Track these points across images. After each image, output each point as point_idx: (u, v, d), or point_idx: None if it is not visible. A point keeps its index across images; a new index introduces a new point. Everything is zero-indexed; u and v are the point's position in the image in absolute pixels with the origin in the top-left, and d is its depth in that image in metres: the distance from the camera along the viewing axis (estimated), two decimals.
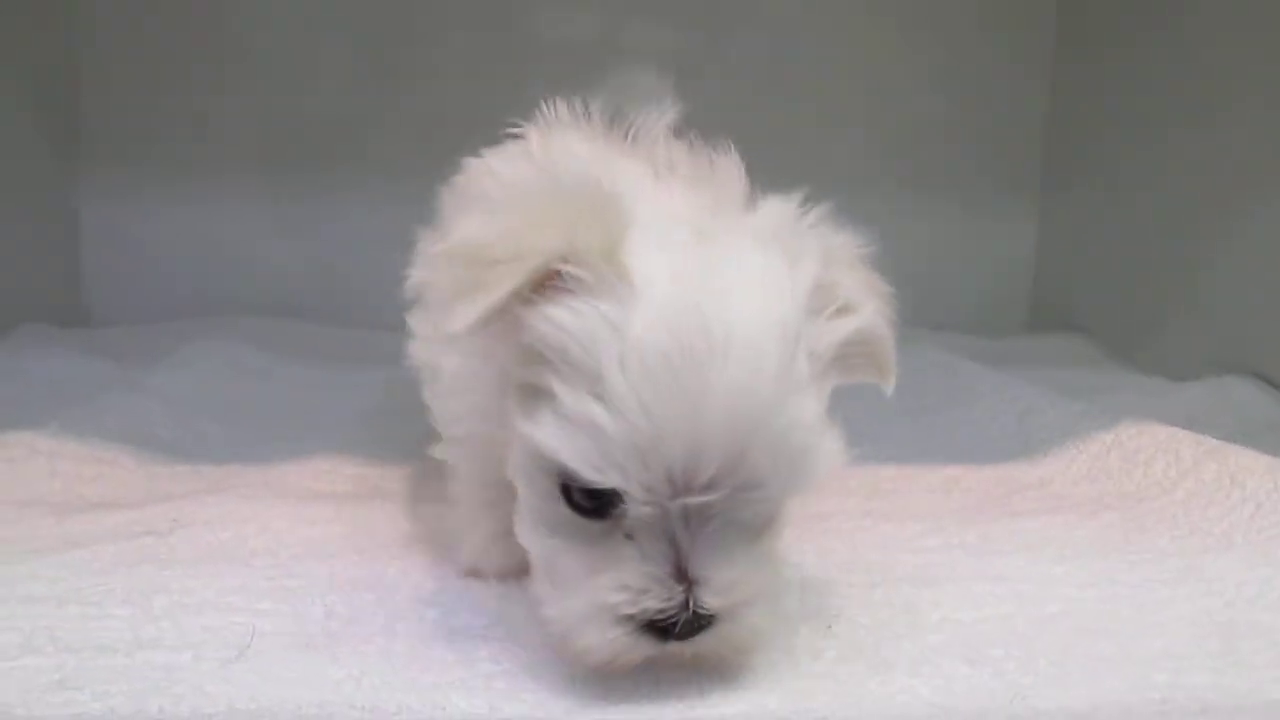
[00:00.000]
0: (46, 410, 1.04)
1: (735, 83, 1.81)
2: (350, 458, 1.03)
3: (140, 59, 1.73)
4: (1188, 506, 0.94)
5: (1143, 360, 1.55)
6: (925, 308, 1.84)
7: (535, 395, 0.55)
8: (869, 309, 0.60)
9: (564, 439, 0.53)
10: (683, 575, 0.55)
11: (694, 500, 0.53)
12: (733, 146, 0.72)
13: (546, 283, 0.54)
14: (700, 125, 0.78)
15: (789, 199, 0.62)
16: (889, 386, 0.63)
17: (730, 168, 0.70)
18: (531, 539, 0.60)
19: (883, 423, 1.19)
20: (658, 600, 0.55)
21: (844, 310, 0.58)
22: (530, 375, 0.56)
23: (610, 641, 0.55)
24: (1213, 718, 0.58)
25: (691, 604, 0.55)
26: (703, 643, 0.56)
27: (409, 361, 0.79)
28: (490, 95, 1.80)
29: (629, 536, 0.55)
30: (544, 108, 0.81)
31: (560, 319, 0.54)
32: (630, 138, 0.77)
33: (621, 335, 0.52)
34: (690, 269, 0.55)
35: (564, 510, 0.56)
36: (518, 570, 0.69)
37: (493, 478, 0.66)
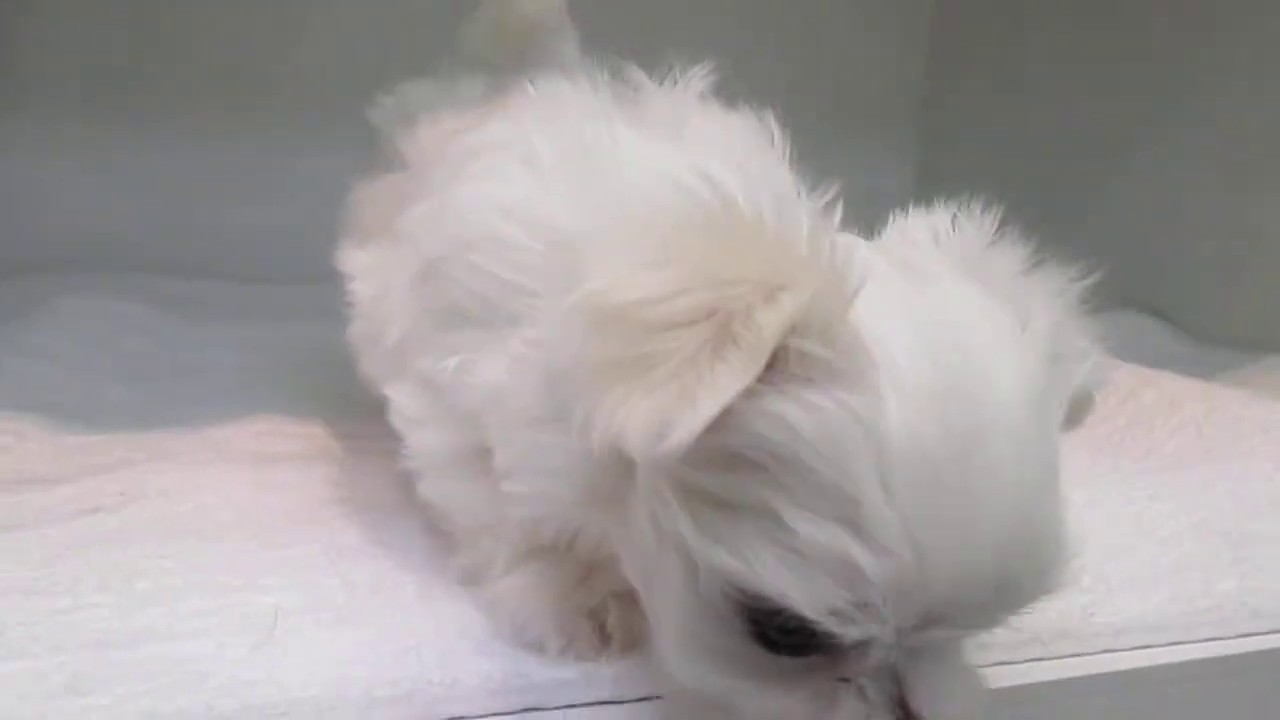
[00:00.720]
0: None
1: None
2: (289, 417, 0.93)
3: None
4: (1133, 432, 0.99)
5: None
6: None
7: (731, 512, 0.41)
8: (1094, 361, 0.48)
9: (798, 580, 0.39)
10: (904, 712, 0.43)
11: (945, 634, 0.42)
12: (771, 118, 0.60)
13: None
14: None
15: (963, 210, 0.50)
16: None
17: (771, 145, 0.58)
18: (693, 673, 0.45)
19: None
20: None
21: (1075, 358, 0.47)
22: (722, 485, 0.41)
23: None
24: (1265, 620, 0.62)
25: None
26: None
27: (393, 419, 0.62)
28: (341, 30, 1.68)
29: (843, 678, 0.43)
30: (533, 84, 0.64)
31: (790, 416, 0.39)
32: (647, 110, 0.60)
33: (879, 441, 0.38)
34: (930, 331, 0.42)
35: (749, 646, 0.43)
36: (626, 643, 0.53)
37: (549, 541, 0.54)
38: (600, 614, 0.54)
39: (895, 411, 0.39)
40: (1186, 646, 0.59)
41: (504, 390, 0.49)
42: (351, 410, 0.95)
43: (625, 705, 0.51)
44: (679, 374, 0.37)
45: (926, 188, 1.93)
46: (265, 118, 1.56)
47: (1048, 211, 1.69)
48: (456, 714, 0.50)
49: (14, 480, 0.74)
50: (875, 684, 0.43)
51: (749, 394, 0.38)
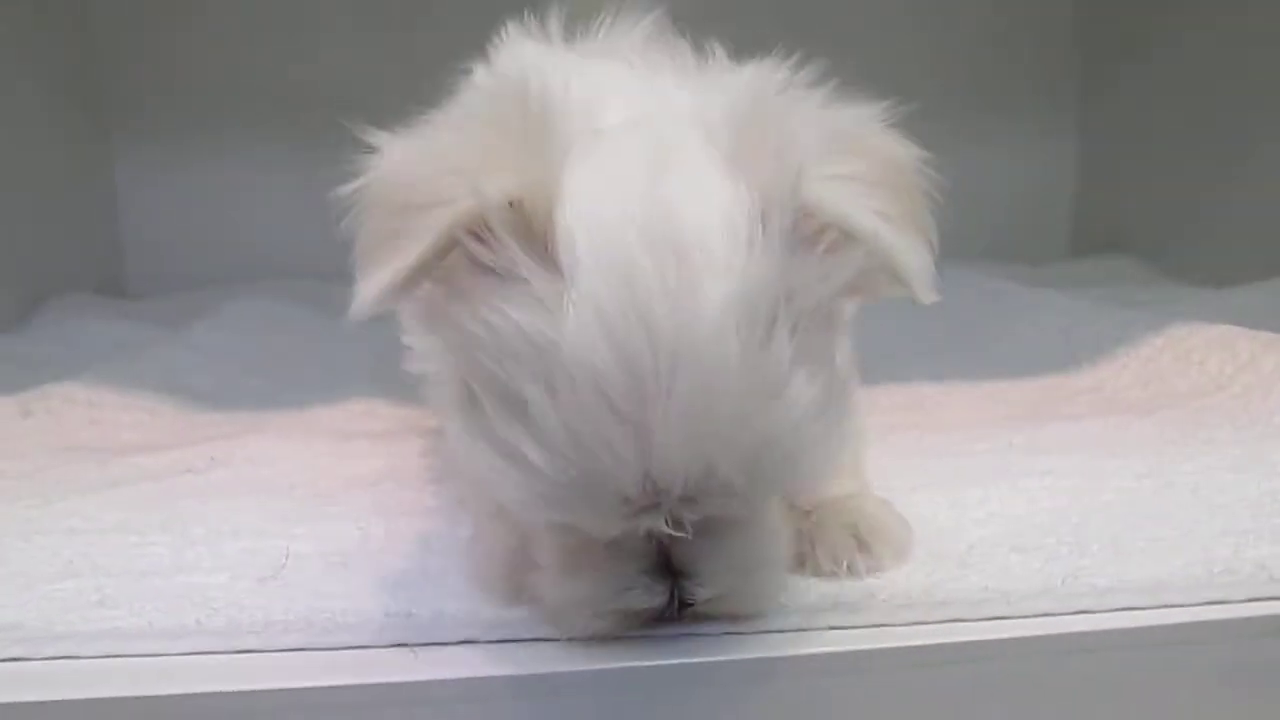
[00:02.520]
0: (86, 366, 1.05)
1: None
2: (386, 400, 1.02)
3: (161, 32, 1.73)
4: (1247, 400, 0.91)
5: (1195, 276, 1.49)
6: (960, 234, 1.79)
7: (471, 396, 0.46)
8: (866, 225, 0.44)
9: (497, 472, 0.44)
10: (667, 570, 0.48)
11: (676, 513, 0.44)
12: (720, 48, 0.61)
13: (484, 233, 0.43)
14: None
15: (771, 64, 0.49)
16: (925, 299, 0.47)
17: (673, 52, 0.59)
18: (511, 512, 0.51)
19: (916, 348, 1.17)
20: (642, 599, 0.48)
21: (840, 241, 0.45)
22: (464, 367, 0.46)
23: (596, 629, 0.50)
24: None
25: (678, 597, 0.48)
26: (699, 612, 0.50)
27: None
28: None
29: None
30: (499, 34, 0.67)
31: (477, 307, 0.43)
32: (600, 42, 0.64)
33: (545, 348, 0.41)
34: (637, 237, 0.42)
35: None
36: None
37: None
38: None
39: (569, 324, 0.41)
40: (1180, 610, 0.55)
41: None
42: None
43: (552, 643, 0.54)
44: (379, 251, 0.43)
45: (1087, 167, 1.83)
46: None
47: (1206, 185, 1.55)
48: (399, 640, 0.55)
49: (137, 447, 0.87)
50: (632, 540, 0.46)
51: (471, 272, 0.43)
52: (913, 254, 0.46)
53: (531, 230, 0.42)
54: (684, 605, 0.49)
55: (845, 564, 0.58)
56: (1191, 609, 0.55)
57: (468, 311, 0.43)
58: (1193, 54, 1.54)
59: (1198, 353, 1.00)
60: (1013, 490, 0.72)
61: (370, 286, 0.43)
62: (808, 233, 0.44)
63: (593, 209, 0.42)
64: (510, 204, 0.42)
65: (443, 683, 0.52)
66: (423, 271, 0.43)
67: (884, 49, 1.80)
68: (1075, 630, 0.54)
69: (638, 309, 0.40)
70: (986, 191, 1.86)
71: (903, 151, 0.49)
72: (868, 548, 0.59)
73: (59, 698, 0.51)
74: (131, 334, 1.27)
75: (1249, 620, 0.54)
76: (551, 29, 0.64)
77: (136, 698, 0.51)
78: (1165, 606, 0.55)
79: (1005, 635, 0.54)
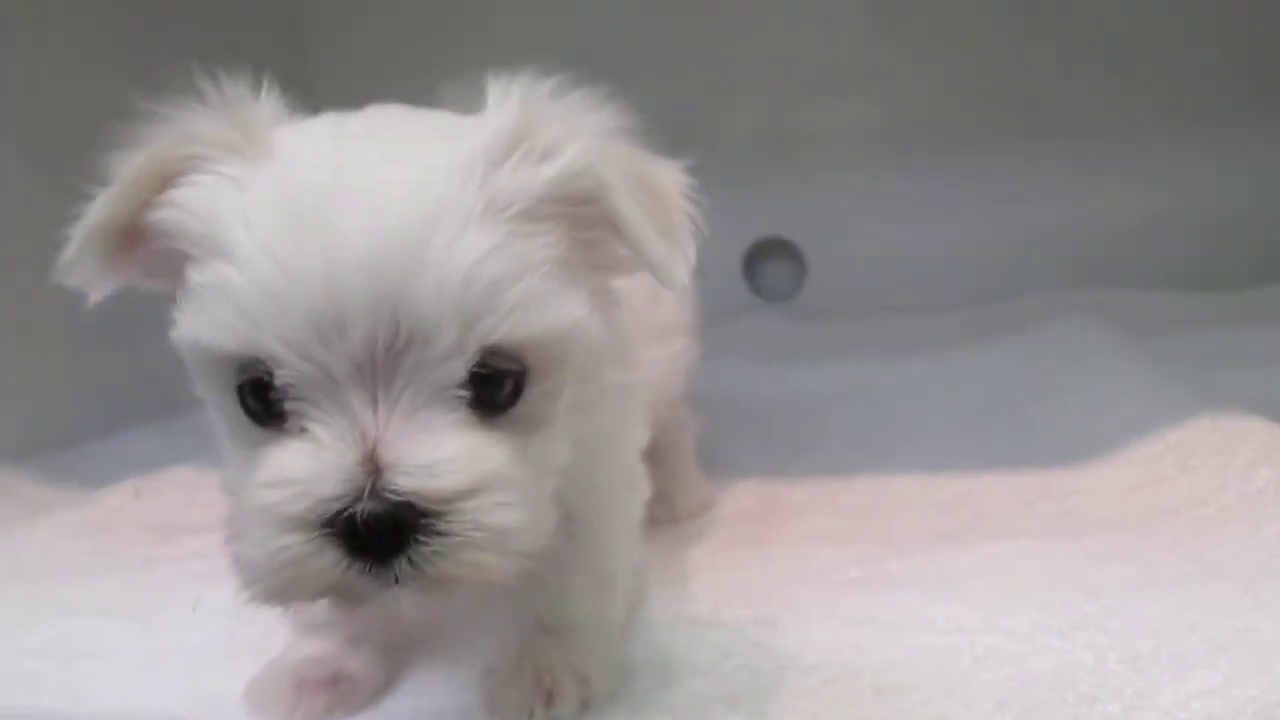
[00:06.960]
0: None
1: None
2: None
3: (366, 31, 1.89)
4: (1206, 527, 0.78)
5: None
6: (1170, 255, 1.60)
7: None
8: (576, 148, 0.50)
9: (198, 314, 0.48)
10: (369, 460, 0.44)
11: (354, 356, 0.45)
12: None
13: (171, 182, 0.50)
14: None
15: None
16: (670, 276, 0.52)
17: None
18: (226, 476, 0.51)
19: (943, 421, 1.12)
20: (330, 486, 0.44)
21: (545, 154, 0.50)
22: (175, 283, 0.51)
23: (276, 552, 0.45)
24: None
25: (378, 488, 0.44)
26: (419, 561, 0.45)
27: None
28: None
29: (306, 429, 0.46)
30: None
31: (179, 198, 0.49)
32: None
33: (244, 191, 0.48)
34: (338, 130, 0.52)
35: (244, 420, 0.48)
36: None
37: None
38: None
39: (267, 173, 0.48)
40: None
41: None
42: None
43: None
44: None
45: None
46: None
47: None
48: None
49: (200, 529, 1.09)
50: (332, 430, 0.45)
51: (160, 204, 0.50)
52: (623, 196, 0.51)
53: (236, 141, 0.50)
54: (392, 519, 0.44)
55: (528, 713, 0.61)
56: None
57: (169, 198, 0.50)
58: None
59: (1199, 456, 0.87)
60: (818, 639, 0.69)
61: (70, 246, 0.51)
62: (509, 150, 0.50)
63: (303, 128, 0.52)
64: (213, 134, 0.50)
65: None
66: (137, 200, 0.50)
67: (1103, 69, 1.69)
68: None
69: (335, 153, 0.49)
70: (1200, 211, 1.66)
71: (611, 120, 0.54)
72: (552, 699, 0.61)
73: None
74: None
75: None
76: None
77: None
78: None
79: None
